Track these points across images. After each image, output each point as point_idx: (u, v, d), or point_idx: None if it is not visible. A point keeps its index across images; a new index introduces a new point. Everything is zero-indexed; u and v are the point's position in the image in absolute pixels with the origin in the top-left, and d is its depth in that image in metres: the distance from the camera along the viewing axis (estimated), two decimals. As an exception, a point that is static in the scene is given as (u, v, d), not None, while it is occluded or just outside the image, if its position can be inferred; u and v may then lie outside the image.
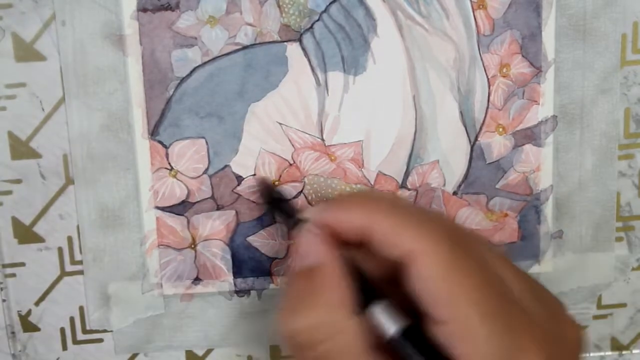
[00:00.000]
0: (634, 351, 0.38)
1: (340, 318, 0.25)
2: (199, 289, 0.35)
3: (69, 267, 0.35)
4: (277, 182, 0.34)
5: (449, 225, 0.26)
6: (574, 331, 0.26)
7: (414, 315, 0.25)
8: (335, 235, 0.27)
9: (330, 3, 0.33)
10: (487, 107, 0.35)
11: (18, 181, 0.34)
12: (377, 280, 0.27)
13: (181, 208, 0.34)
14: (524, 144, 0.35)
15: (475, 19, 0.34)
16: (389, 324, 0.25)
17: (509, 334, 0.23)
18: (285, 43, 0.33)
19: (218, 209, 0.34)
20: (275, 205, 0.33)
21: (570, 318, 0.27)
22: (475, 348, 0.23)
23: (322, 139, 0.34)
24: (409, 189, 0.35)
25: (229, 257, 0.35)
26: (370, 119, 0.34)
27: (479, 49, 0.34)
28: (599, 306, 0.37)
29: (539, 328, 0.24)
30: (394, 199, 0.28)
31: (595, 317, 0.37)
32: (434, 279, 0.24)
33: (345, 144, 0.34)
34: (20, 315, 0.35)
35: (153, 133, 0.34)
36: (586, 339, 0.27)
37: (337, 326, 0.25)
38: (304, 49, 0.33)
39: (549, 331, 0.25)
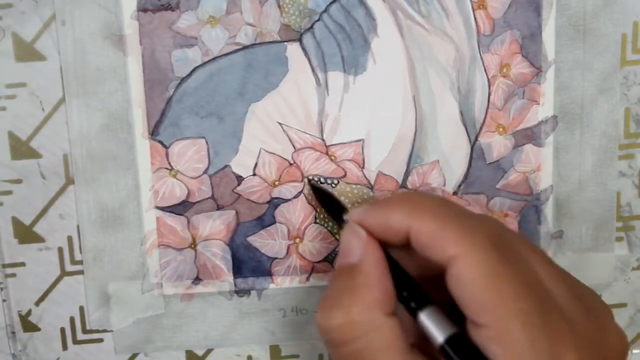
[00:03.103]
0: (634, 351, 0.38)
1: (377, 317, 0.25)
2: (199, 289, 0.35)
3: (69, 267, 0.35)
4: (277, 183, 0.34)
5: (493, 229, 0.26)
6: (617, 340, 0.26)
7: (460, 316, 0.25)
8: (380, 235, 0.27)
9: (331, 3, 0.33)
10: (487, 107, 0.35)
11: (18, 181, 0.34)
12: (422, 281, 0.27)
13: (181, 208, 0.34)
14: (524, 144, 0.35)
15: (475, 18, 0.34)
16: (436, 331, 0.25)
17: (548, 340, 0.23)
18: (285, 43, 0.33)
19: (218, 209, 0.34)
20: (325, 204, 0.33)
21: (615, 326, 0.26)
22: (514, 353, 0.23)
23: (323, 139, 0.34)
24: (409, 189, 0.35)
25: (229, 257, 0.35)
26: (370, 119, 0.34)
27: (479, 49, 0.34)
28: (599, 306, 0.37)
29: (580, 335, 0.24)
30: (439, 200, 0.27)
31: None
32: (474, 284, 0.24)
33: (345, 143, 0.34)
34: (20, 315, 0.35)
35: (153, 133, 0.34)
36: (627, 347, 0.27)
37: (372, 324, 0.25)
38: (304, 49, 0.33)
39: (590, 338, 0.24)
